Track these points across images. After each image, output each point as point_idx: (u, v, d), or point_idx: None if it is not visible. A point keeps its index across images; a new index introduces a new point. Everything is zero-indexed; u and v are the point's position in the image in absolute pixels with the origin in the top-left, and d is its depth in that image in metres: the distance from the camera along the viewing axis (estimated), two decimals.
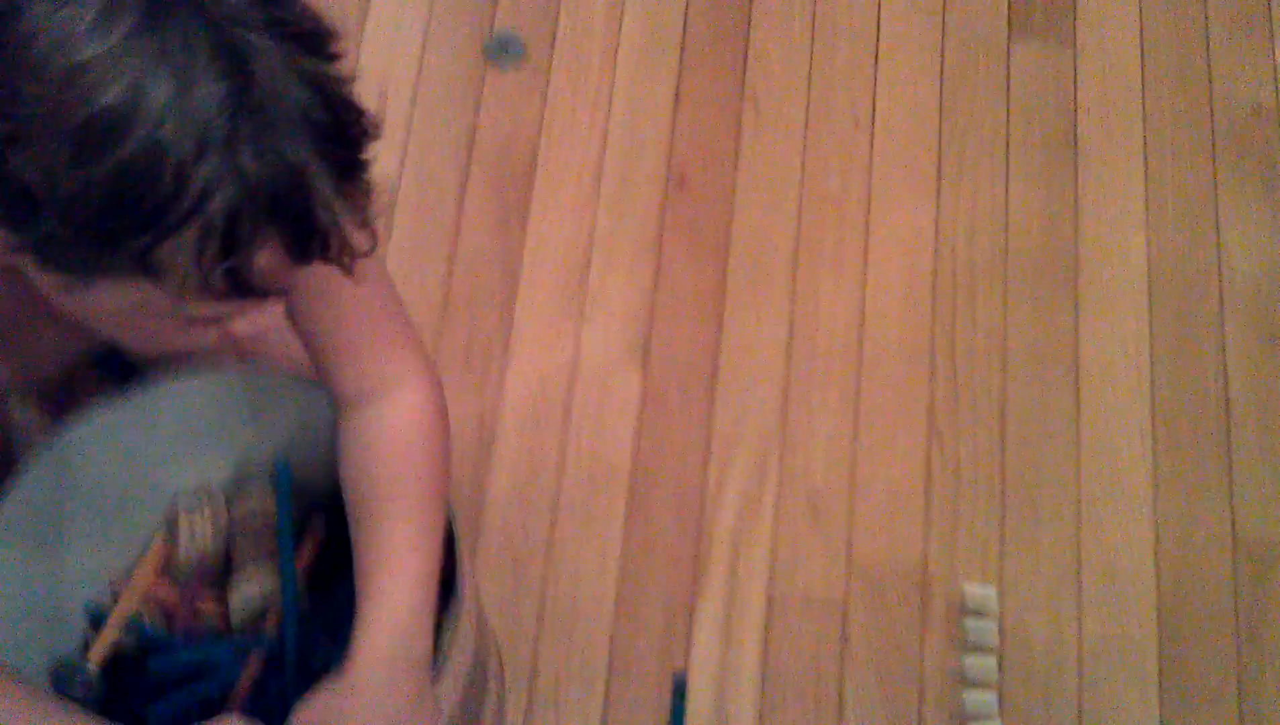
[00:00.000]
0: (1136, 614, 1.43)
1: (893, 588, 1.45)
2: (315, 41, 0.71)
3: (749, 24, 1.71)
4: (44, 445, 0.99)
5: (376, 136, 0.74)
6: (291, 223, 0.70)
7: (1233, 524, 1.47)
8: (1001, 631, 1.42)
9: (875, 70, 1.70)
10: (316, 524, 1.12)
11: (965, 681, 1.39)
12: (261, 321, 0.83)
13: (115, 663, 1.05)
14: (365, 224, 0.75)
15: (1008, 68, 1.69)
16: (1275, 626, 1.42)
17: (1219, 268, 1.59)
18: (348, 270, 0.75)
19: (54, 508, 1.02)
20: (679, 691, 1.40)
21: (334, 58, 0.72)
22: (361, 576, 0.96)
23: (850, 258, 1.61)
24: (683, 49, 1.70)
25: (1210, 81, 1.68)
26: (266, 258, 0.71)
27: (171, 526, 1.12)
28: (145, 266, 0.70)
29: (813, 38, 1.71)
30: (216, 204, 0.67)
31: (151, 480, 1.10)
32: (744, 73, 1.69)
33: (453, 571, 1.04)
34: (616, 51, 1.70)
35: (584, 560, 1.47)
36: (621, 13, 1.72)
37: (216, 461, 1.14)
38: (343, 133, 0.71)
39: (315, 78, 0.69)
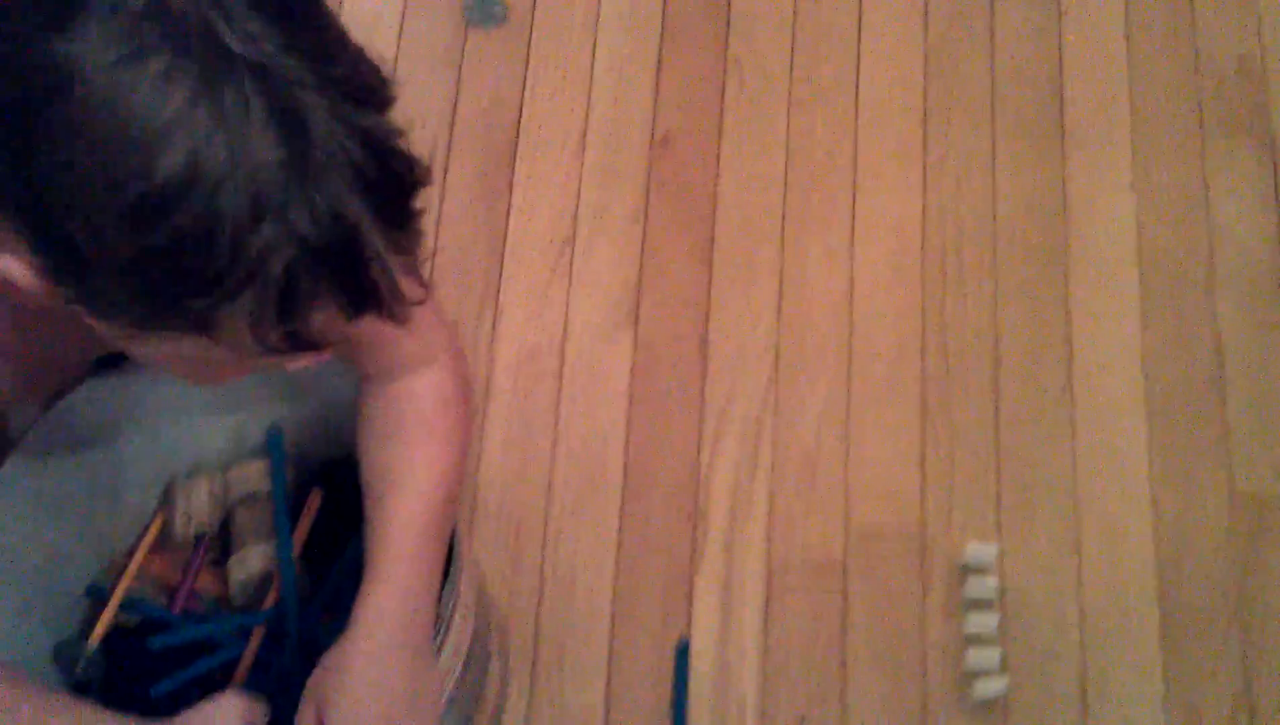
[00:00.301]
0: (1136, 573, 1.43)
1: (891, 550, 1.45)
2: (368, 93, 0.70)
3: None
4: (40, 420, 0.98)
5: (428, 183, 0.73)
6: (347, 282, 0.70)
7: (1229, 482, 1.47)
8: (1001, 591, 1.42)
9: (859, 33, 1.69)
10: (313, 495, 1.11)
11: (967, 639, 1.39)
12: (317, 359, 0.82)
13: (116, 641, 1.04)
14: (415, 270, 0.74)
15: (992, 31, 1.68)
16: (1273, 581, 1.43)
17: (1209, 228, 1.59)
18: (400, 320, 0.74)
19: (51, 485, 1.00)
20: (682, 658, 1.40)
21: (387, 107, 0.71)
22: (369, 549, 0.95)
23: (838, 223, 1.60)
24: (665, 10, 1.69)
25: (1195, 35, 1.68)
26: (322, 315, 0.70)
27: (169, 503, 1.10)
28: (202, 327, 0.69)
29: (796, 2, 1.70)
30: (273, 269, 0.66)
31: (149, 457, 1.09)
32: (727, 36, 1.68)
33: (453, 546, 1.04)
34: (599, 12, 1.69)
35: (581, 532, 1.46)
36: None
37: (215, 438, 1.13)
38: (397, 187, 0.71)
39: (369, 133, 0.68)
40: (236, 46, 0.64)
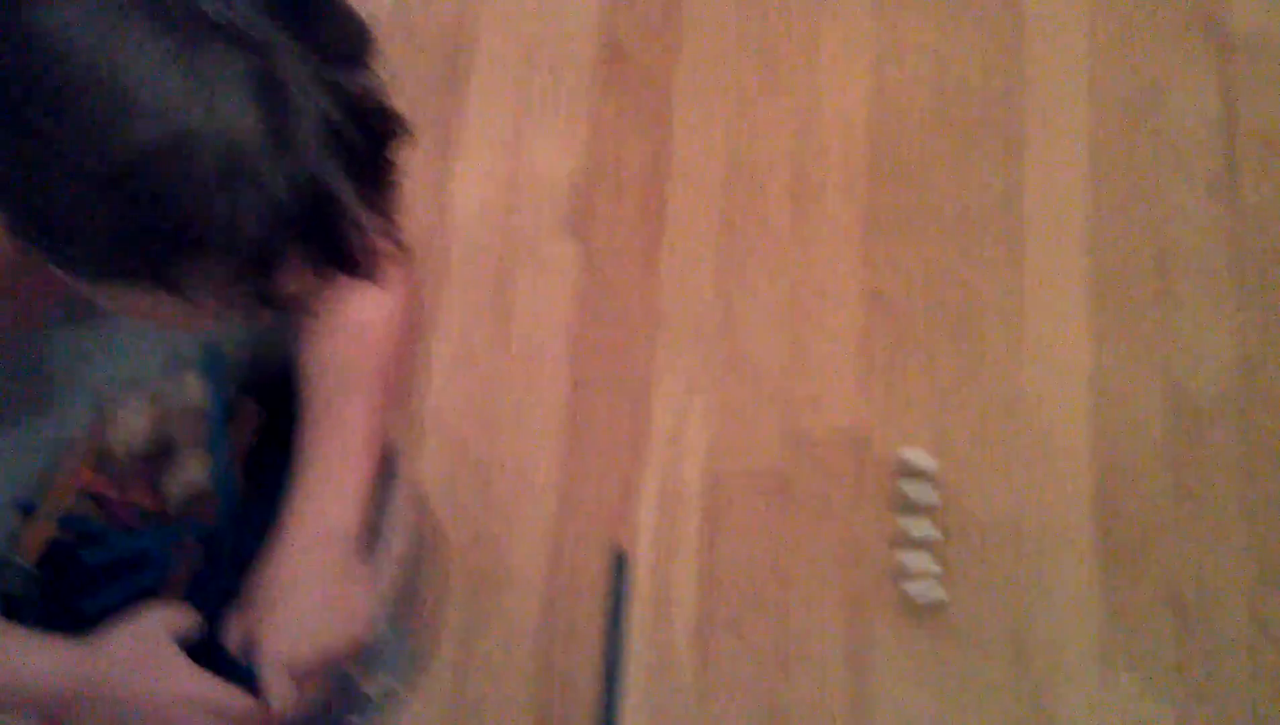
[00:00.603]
0: (1073, 474, 1.45)
1: (832, 455, 1.46)
2: (349, 53, 0.70)
3: None
4: None
5: (408, 136, 0.73)
6: (320, 244, 0.70)
7: (1169, 381, 1.49)
8: (939, 495, 1.43)
9: None
10: (250, 411, 1.11)
11: (904, 543, 1.41)
12: None
13: (50, 556, 1.04)
14: (391, 228, 0.74)
15: None
16: (1210, 481, 1.45)
17: (1160, 117, 1.59)
18: (374, 279, 0.74)
19: None
20: (620, 568, 1.41)
21: (368, 63, 0.71)
22: (300, 456, 0.96)
23: (787, 114, 1.59)
24: None
25: None
26: (293, 277, 0.70)
27: (102, 417, 1.10)
28: (170, 286, 0.69)
29: None
30: (246, 231, 0.66)
31: (82, 372, 1.08)
32: None
33: (389, 455, 1.04)
34: None
35: (524, 437, 1.47)
36: None
37: (151, 353, 1.12)
38: (374, 147, 0.71)
39: (347, 95, 0.68)
40: (214, 12, 0.64)
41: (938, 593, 1.38)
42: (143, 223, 0.66)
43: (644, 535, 1.43)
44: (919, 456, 1.44)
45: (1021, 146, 1.58)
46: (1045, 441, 1.47)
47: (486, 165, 1.58)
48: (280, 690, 0.93)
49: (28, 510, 1.06)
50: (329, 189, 0.68)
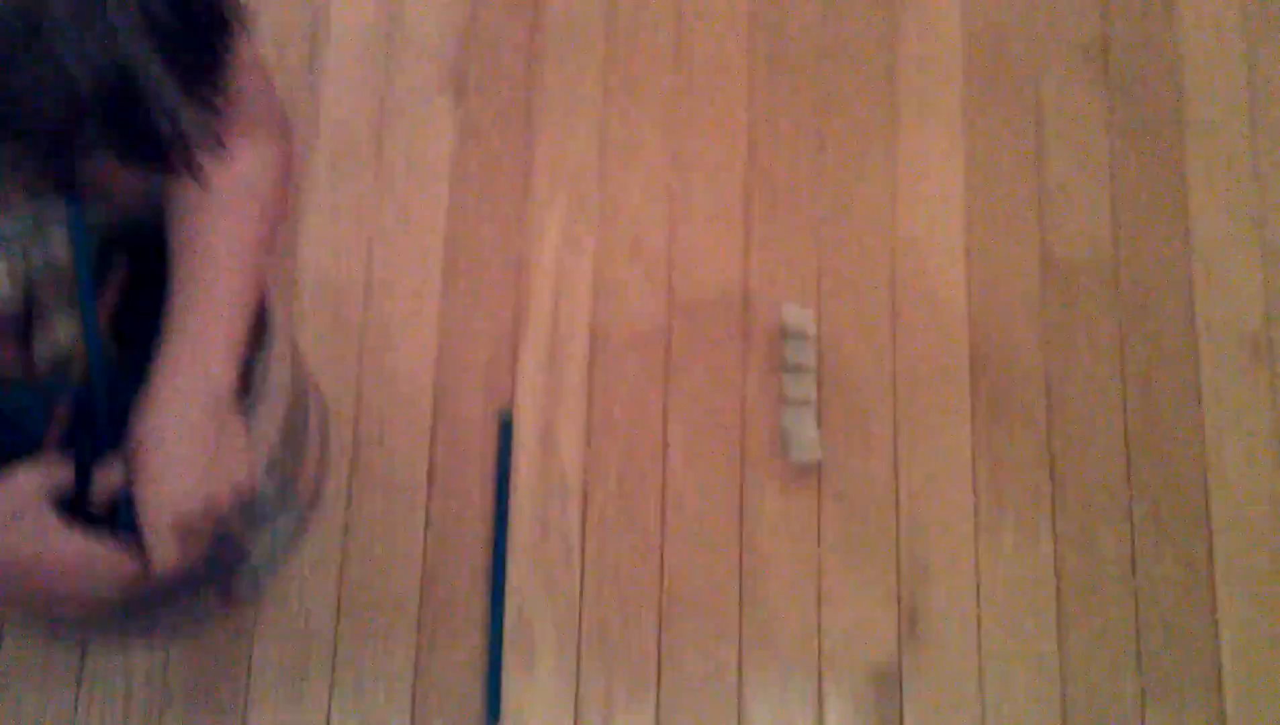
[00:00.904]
0: (949, 334, 1.48)
1: (714, 316, 1.47)
2: None
3: None
4: None
5: (241, 30, 0.69)
6: (124, 132, 0.65)
7: (1041, 244, 1.52)
8: (819, 354, 1.46)
9: None
10: (119, 266, 1.08)
11: (785, 402, 1.44)
12: None
13: None
14: (217, 125, 0.69)
15: None
16: (1083, 338, 1.49)
17: None
18: (199, 180, 0.70)
19: None
20: (505, 428, 1.42)
21: None
22: (171, 305, 0.94)
23: None
24: None
25: None
26: (98, 165, 0.67)
27: None
28: None
29: None
30: (42, 113, 0.62)
31: None
32: None
33: (265, 308, 1.03)
34: None
35: (401, 297, 1.46)
36: None
37: (10, 210, 1.08)
38: (194, 33, 0.66)
39: None
40: None
41: (815, 450, 1.41)
42: None
43: (527, 397, 1.43)
44: (799, 314, 1.45)
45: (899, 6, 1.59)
46: (922, 301, 1.49)
47: (362, 18, 1.55)
48: (163, 545, 0.92)
49: None
50: (137, 76, 0.64)
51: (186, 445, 0.93)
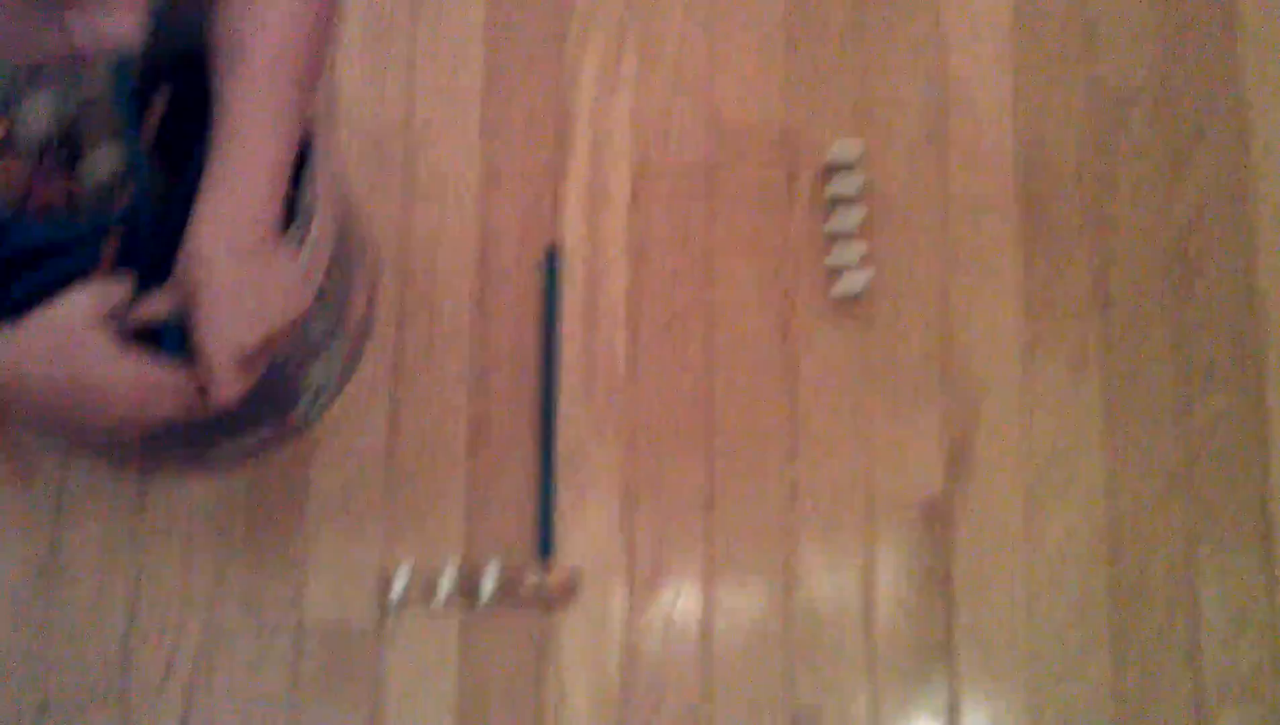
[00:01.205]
0: (997, 168, 1.46)
1: (758, 149, 1.46)
2: None
3: None
4: None
5: None
6: None
7: (1090, 76, 1.49)
8: (866, 187, 1.44)
9: None
10: (162, 91, 1.08)
11: (831, 235, 1.42)
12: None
13: None
14: None
15: None
16: (1129, 175, 1.46)
17: None
18: None
19: None
20: (551, 263, 1.42)
21: None
22: (216, 130, 0.94)
23: None
24: None
25: None
26: None
27: (10, 106, 1.07)
28: None
29: None
30: None
31: None
32: None
33: (310, 137, 1.02)
34: None
35: (446, 135, 1.45)
36: None
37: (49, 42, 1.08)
38: None
39: None
40: None
41: (861, 282, 1.40)
42: None
43: (572, 232, 1.43)
44: (845, 147, 1.43)
45: None
46: (969, 132, 1.47)
47: None
48: (218, 371, 0.93)
49: None
50: None
51: (236, 271, 0.93)
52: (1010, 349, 1.41)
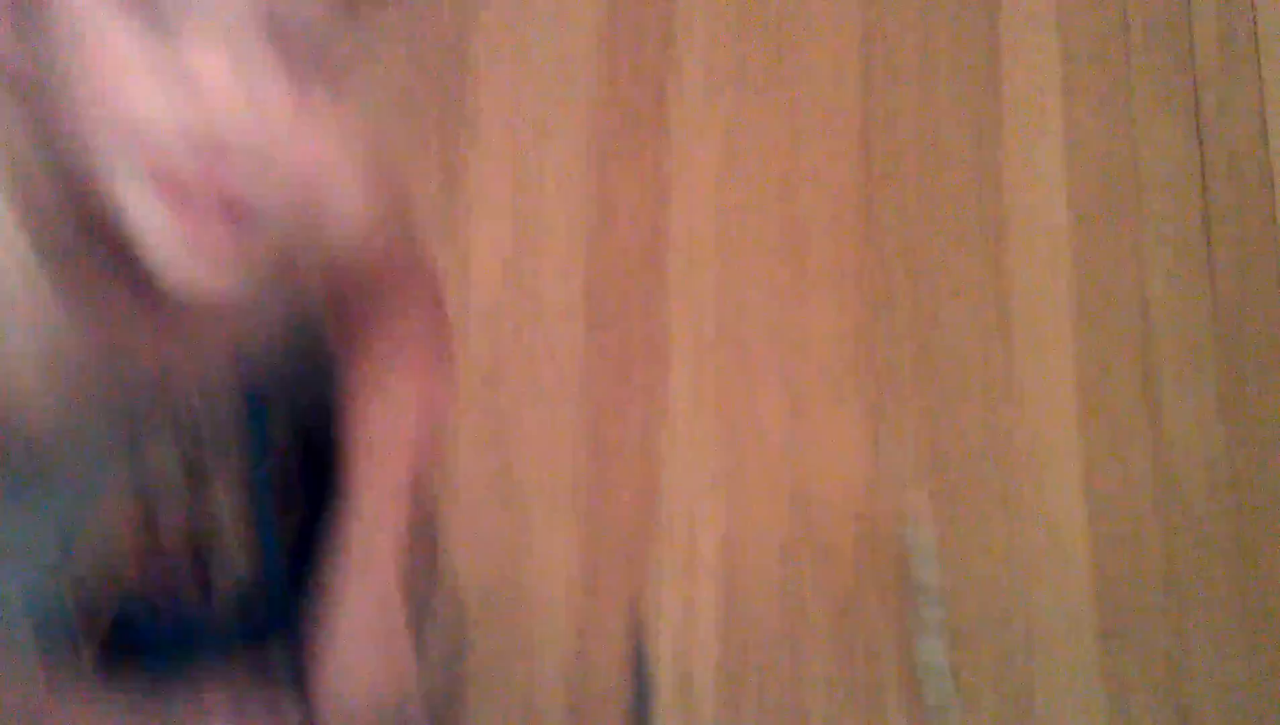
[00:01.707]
0: (1073, 580, 1.48)
1: (839, 532, 1.49)
2: None
3: None
4: None
5: None
6: None
7: (1159, 470, 1.53)
8: (943, 574, 1.47)
9: None
10: (282, 443, 1.13)
11: (914, 631, 1.44)
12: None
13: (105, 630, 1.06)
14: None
15: None
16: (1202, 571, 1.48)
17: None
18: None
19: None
20: (640, 660, 1.43)
21: None
22: (341, 521, 0.99)
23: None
24: None
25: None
26: None
27: (135, 450, 1.12)
28: None
29: None
30: None
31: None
32: None
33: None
34: None
35: (542, 515, 1.51)
36: None
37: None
38: None
39: None
40: None
41: (948, 690, 1.41)
42: None
43: (663, 618, 1.45)
44: (922, 536, 1.47)
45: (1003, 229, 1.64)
46: (1044, 537, 1.50)
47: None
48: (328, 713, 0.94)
49: (77, 583, 1.07)
50: None
51: (362, 645, 0.96)
52: None
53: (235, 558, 1.11)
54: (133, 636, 1.05)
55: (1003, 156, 1.64)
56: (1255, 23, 1.65)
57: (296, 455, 1.15)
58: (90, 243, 0.73)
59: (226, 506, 1.13)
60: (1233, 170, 1.62)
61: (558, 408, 1.55)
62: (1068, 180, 1.63)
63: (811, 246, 1.62)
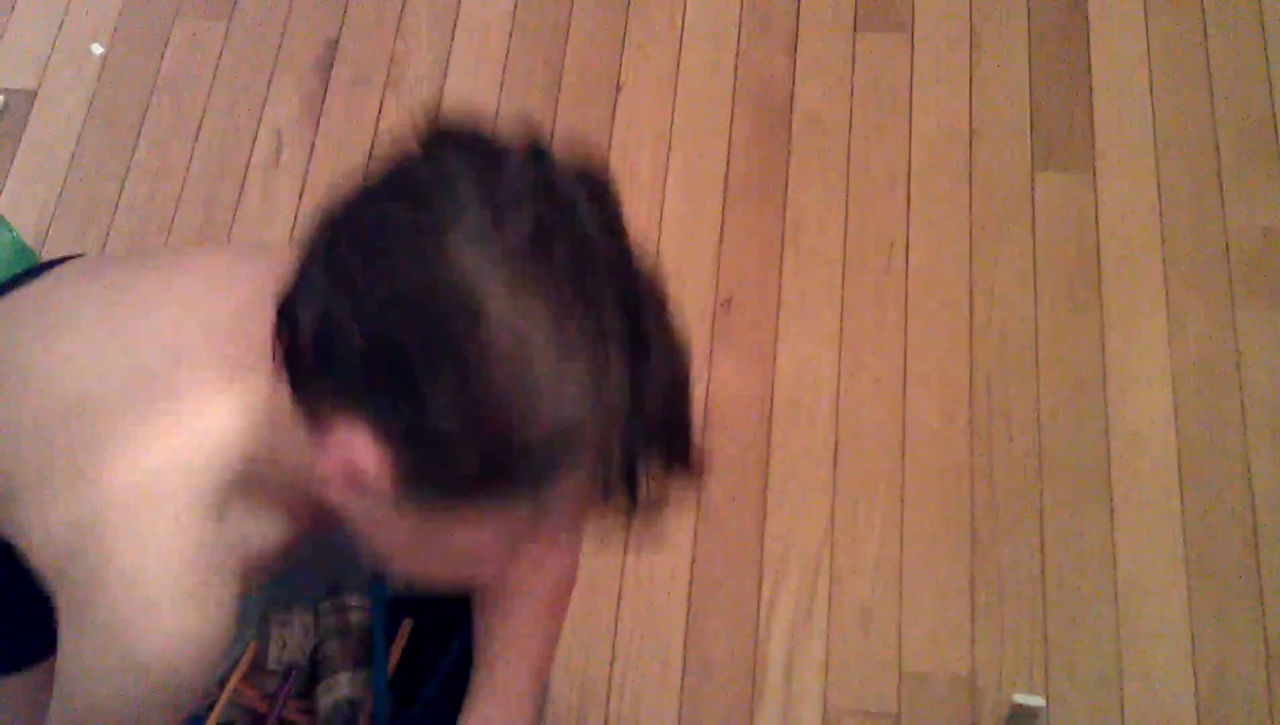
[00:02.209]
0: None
1: (943, 699, 1.49)
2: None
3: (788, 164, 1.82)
4: None
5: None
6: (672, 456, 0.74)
7: (1264, 629, 1.52)
8: None
9: (908, 208, 1.79)
10: (405, 628, 1.17)
11: None
12: None
13: None
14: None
15: (1033, 200, 1.79)
16: None
17: (1240, 389, 1.66)
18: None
19: None
20: None
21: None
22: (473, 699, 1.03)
23: (890, 383, 1.68)
24: (726, 188, 1.80)
25: (1224, 207, 1.76)
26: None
27: (265, 633, 1.16)
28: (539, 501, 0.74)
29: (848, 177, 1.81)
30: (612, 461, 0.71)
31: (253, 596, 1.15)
32: (785, 210, 1.79)
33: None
34: (665, 184, 1.80)
35: (646, 678, 1.52)
36: (668, 151, 1.83)
37: (312, 579, 1.19)
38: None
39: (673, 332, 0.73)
40: (608, 293, 0.69)
41: None
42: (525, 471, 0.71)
43: None
44: (1029, 702, 1.46)
45: (1108, 410, 1.65)
46: (1148, 686, 1.49)
47: None
48: None
49: (193, 723, 1.11)
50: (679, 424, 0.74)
51: None
52: None
53: (339, 711, 1.15)
54: None
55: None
56: None
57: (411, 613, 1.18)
58: None
59: (338, 663, 1.16)
60: None
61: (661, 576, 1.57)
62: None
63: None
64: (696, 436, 0.75)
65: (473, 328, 0.66)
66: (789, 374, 1.68)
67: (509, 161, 0.70)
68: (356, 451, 0.70)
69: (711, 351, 1.69)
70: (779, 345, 1.70)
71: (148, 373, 0.82)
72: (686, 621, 1.54)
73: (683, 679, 1.51)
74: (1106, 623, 1.53)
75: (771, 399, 1.66)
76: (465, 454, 0.68)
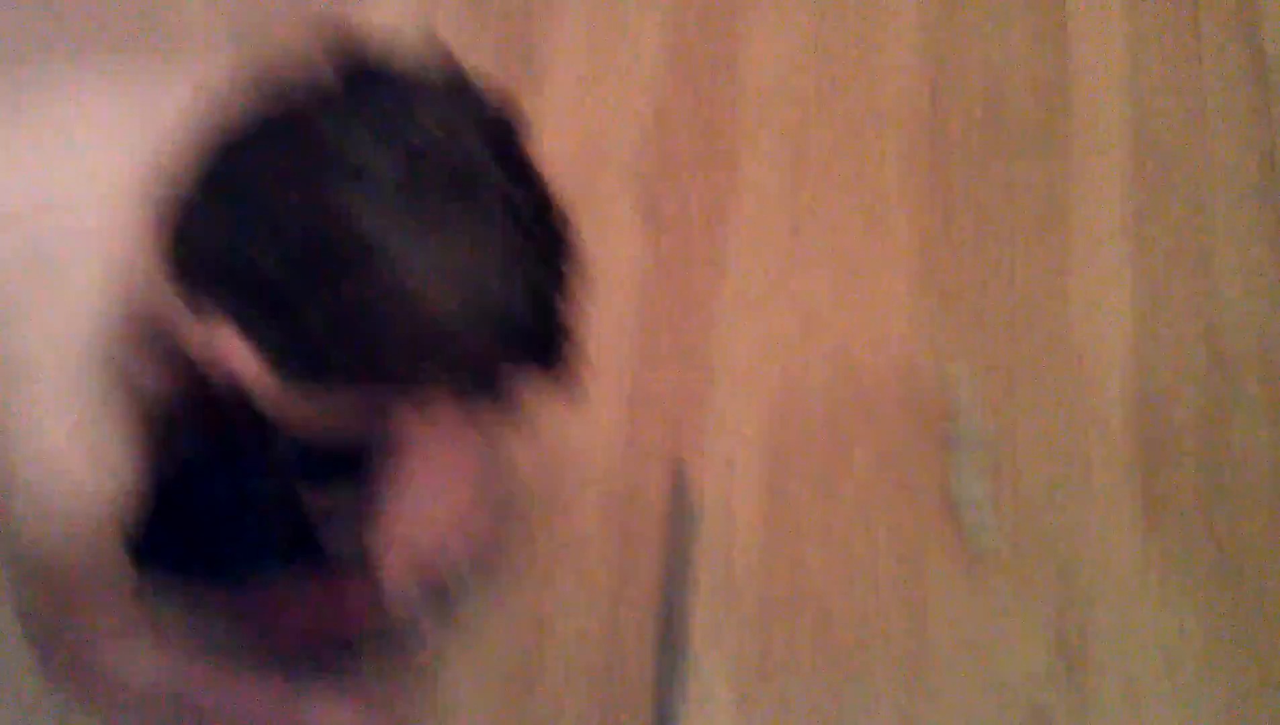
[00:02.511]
0: (1113, 431, 1.50)
1: (884, 390, 1.51)
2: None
3: None
4: None
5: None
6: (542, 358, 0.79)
7: (1207, 332, 1.54)
8: (988, 431, 1.49)
9: None
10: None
11: (956, 479, 1.46)
12: None
13: None
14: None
15: None
16: (1247, 458, 1.49)
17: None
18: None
19: None
20: (681, 487, 1.45)
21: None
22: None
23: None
24: None
25: None
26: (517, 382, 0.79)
27: None
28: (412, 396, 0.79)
29: None
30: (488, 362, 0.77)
31: None
32: None
33: None
34: None
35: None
36: None
37: None
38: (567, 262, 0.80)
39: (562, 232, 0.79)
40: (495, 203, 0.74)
41: (991, 535, 1.43)
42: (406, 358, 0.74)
43: (707, 463, 1.47)
44: (967, 391, 1.49)
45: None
46: (1089, 391, 1.52)
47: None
48: (395, 566, 1.02)
49: None
50: (556, 319, 0.77)
51: (439, 496, 1.06)
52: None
53: None
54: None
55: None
56: None
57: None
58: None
59: None
60: None
61: (610, 268, 1.55)
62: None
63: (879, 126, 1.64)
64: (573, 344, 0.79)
65: (351, 253, 0.70)
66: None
67: (396, 86, 0.74)
68: (231, 357, 0.75)
69: None
70: None
71: None
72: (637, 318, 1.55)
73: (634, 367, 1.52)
74: (1050, 324, 1.55)
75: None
76: (335, 358, 0.73)
